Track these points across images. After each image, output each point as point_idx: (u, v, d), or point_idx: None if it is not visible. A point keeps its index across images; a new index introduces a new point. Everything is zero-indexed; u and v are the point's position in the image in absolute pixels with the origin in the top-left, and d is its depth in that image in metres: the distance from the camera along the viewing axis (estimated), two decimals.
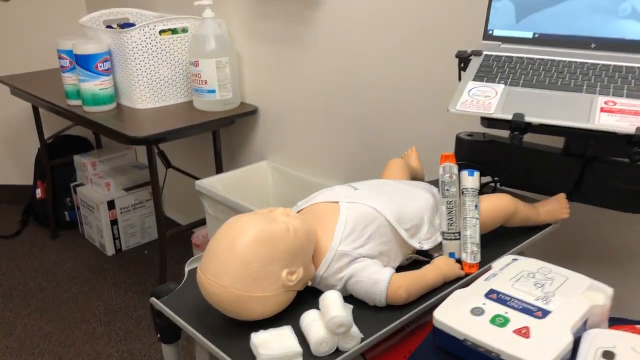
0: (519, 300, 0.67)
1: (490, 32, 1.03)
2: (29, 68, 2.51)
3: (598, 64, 0.92)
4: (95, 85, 1.85)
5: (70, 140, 2.63)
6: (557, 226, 0.96)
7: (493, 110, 0.86)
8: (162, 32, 1.86)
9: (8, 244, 2.48)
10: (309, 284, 0.77)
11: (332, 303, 0.68)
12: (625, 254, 1.12)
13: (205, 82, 1.82)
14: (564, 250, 1.20)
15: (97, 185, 2.37)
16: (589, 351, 0.63)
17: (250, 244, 0.71)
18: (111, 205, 2.33)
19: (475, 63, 0.98)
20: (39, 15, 2.61)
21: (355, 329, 0.69)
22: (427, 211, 0.85)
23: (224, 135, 2.06)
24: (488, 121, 0.88)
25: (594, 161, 0.94)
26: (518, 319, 0.64)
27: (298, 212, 0.84)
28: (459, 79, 1.04)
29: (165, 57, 1.88)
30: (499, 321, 0.64)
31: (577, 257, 1.19)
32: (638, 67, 0.89)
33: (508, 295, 0.68)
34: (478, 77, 0.94)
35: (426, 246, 0.83)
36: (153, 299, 0.80)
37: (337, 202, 0.81)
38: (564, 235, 1.17)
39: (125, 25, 2.05)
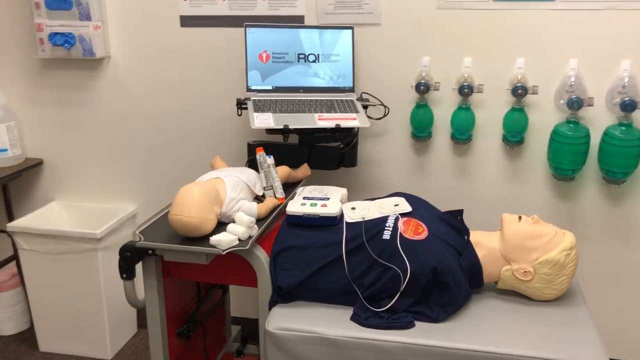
0: (317, 197, 1.57)
1: (250, 87, 1.93)
2: None
3: (307, 99, 1.90)
4: None
5: None
6: (307, 180, 1.91)
7: (273, 125, 1.75)
8: None
9: None
10: (220, 217, 1.51)
11: (244, 216, 1.46)
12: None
13: None
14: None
15: None
16: (346, 208, 1.57)
17: (200, 193, 1.43)
18: None
19: (251, 104, 1.85)
20: None
21: (255, 225, 1.48)
22: (257, 178, 1.68)
23: (11, 186, 2.41)
24: (270, 131, 1.77)
25: (314, 146, 1.92)
26: (320, 202, 1.54)
27: None
28: (239, 114, 1.90)
29: None
30: (313, 204, 1.53)
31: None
32: (325, 99, 1.90)
33: (312, 197, 1.58)
34: (256, 110, 1.81)
35: (260, 193, 1.66)
36: (140, 243, 1.42)
37: (219, 177, 1.57)
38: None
39: None
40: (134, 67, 2.19)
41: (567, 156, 1.87)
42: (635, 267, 2.01)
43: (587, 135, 1.84)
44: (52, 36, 2.14)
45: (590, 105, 1.82)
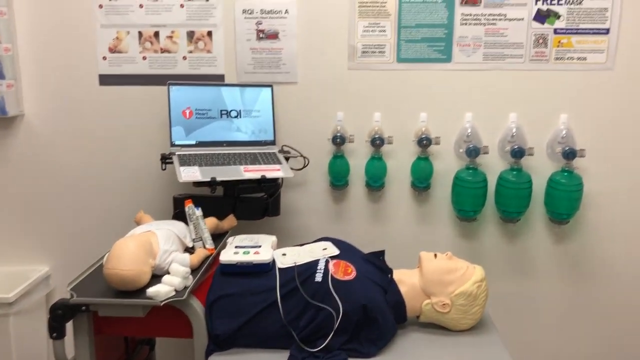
0: (248, 246, 1.64)
1: (174, 142, 1.98)
2: None
3: (231, 153, 1.98)
4: None
5: None
6: (232, 230, 1.96)
7: (200, 178, 1.81)
8: None
9: None
10: (154, 269, 1.53)
11: (179, 267, 1.49)
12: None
13: None
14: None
15: None
16: (277, 255, 1.64)
17: (135, 246, 1.45)
18: None
19: (176, 158, 1.90)
20: None
21: (190, 276, 1.51)
22: (186, 230, 1.72)
23: None
24: (198, 184, 1.83)
25: (239, 198, 1.99)
26: (252, 250, 1.61)
27: None
28: (163, 168, 1.94)
29: None
30: (246, 252, 1.59)
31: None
32: (248, 152, 1.99)
33: (243, 246, 1.64)
34: (182, 164, 1.86)
35: (190, 245, 1.70)
36: (74, 299, 1.40)
37: (150, 230, 1.59)
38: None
39: None
40: (50, 126, 2.17)
41: (468, 199, 2.07)
42: (530, 296, 2.23)
43: (485, 180, 2.07)
44: None
45: (486, 153, 2.05)
